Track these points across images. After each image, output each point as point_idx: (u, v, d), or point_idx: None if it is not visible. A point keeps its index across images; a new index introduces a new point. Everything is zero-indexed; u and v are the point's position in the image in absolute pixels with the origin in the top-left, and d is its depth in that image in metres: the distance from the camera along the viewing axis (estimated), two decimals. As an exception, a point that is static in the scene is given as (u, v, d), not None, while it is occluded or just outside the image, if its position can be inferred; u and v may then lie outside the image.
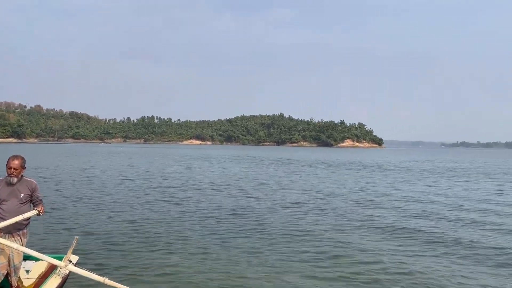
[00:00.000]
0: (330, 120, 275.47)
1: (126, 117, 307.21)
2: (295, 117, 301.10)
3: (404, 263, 8.36)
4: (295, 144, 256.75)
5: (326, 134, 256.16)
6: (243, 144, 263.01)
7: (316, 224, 12.22)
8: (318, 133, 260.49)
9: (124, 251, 8.67)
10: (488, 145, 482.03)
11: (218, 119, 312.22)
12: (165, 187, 20.90)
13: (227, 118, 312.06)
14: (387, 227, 12.05)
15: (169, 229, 10.97)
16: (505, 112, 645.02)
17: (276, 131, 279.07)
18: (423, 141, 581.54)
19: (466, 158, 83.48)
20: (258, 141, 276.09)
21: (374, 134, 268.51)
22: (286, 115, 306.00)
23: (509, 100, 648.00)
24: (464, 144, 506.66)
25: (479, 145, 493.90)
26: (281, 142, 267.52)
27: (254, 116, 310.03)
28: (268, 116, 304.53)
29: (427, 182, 27.20)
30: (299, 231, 11.13)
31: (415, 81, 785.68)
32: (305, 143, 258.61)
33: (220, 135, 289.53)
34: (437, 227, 12.02)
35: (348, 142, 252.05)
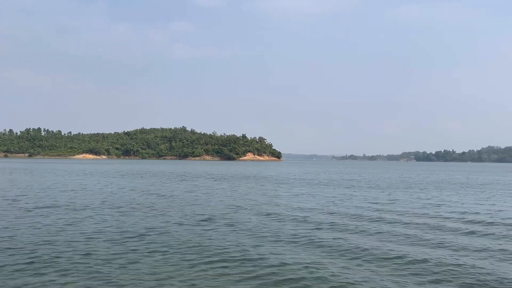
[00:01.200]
0: (232, 134, 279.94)
1: (8, 129, 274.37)
2: (198, 130, 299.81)
3: (310, 270, 8.82)
4: (197, 158, 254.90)
5: (229, 148, 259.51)
6: (142, 158, 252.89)
7: (226, 239, 12.23)
8: (221, 147, 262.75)
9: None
10: (372, 158, 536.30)
11: (115, 132, 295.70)
12: (55, 207, 19.06)
13: (125, 131, 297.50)
14: (293, 237, 12.59)
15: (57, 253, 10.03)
16: (385, 129, 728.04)
17: (178, 144, 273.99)
18: (317, 155, 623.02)
19: (355, 170, 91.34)
20: (159, 155, 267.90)
21: (273, 148, 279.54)
22: (188, 128, 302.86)
23: (389, 118, 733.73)
24: (352, 157, 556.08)
25: (365, 157, 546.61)
26: (183, 156, 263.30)
27: (154, 129, 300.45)
28: (170, 129, 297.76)
29: (327, 193, 29.12)
30: (207, 249, 11.05)
31: (309, 97, 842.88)
32: (207, 157, 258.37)
33: (117, 148, 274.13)
34: (343, 238, 12.92)
35: (249, 156, 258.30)
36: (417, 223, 15.82)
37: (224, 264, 9.49)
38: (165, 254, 10.29)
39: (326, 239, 12.43)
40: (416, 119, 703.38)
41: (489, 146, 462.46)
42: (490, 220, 16.94)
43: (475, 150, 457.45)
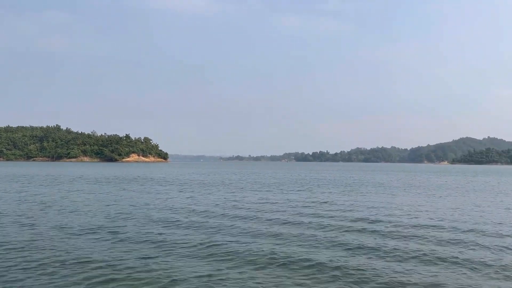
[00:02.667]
0: (114, 134, 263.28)
1: None
2: (74, 129, 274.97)
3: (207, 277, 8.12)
4: (74, 159, 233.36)
5: (110, 149, 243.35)
6: (8, 160, 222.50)
7: (112, 251, 10.81)
8: (101, 148, 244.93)
9: None
10: (257, 158, 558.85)
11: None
12: None
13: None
14: (187, 245, 11.73)
15: None
16: (271, 130, 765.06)
17: (51, 144, 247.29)
18: (205, 155, 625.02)
19: (242, 170, 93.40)
20: (28, 156, 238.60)
21: (160, 148, 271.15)
22: (63, 127, 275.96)
23: (271, 121, 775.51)
24: (238, 158, 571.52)
25: (250, 158, 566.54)
26: (57, 157, 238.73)
27: (23, 127, 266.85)
28: (41, 127, 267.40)
29: (218, 194, 28.67)
30: (85, 264, 9.57)
31: (195, 97, 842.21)
32: (86, 158, 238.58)
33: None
34: (236, 242, 12.44)
35: (133, 157, 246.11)
36: (300, 222, 16.27)
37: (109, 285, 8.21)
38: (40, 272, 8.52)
39: (222, 244, 11.83)
40: (294, 123, 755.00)
41: (357, 148, 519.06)
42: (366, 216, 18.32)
43: (346, 151, 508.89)
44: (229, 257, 10.44)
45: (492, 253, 11.32)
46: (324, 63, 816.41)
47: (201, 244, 11.88)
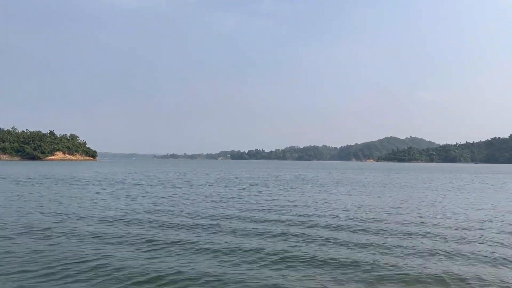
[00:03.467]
0: (37, 130, 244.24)
1: None
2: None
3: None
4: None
5: (32, 146, 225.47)
6: None
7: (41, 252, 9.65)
8: (22, 145, 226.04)
9: None
10: (192, 157, 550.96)
11: None
12: None
13: None
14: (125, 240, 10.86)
15: None
16: (207, 128, 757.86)
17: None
18: (137, 154, 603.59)
19: (176, 169, 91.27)
20: None
21: (88, 146, 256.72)
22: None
23: (207, 119, 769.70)
24: (173, 156, 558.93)
25: (185, 156, 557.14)
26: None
27: None
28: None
29: (154, 193, 27.44)
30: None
31: (126, 92, 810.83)
32: (4, 156, 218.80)
33: None
34: (178, 234, 11.79)
35: (58, 155, 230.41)
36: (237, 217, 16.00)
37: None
38: None
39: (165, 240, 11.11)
40: (231, 121, 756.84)
41: (291, 146, 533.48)
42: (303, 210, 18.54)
43: (280, 150, 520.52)
44: (170, 249, 9.95)
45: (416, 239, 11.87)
46: (259, 63, 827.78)
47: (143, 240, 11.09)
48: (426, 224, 15.42)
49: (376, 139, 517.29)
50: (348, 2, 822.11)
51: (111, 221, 15.37)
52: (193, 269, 9.03)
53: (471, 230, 14.43)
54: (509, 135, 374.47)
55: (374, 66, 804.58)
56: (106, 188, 31.91)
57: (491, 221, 16.49)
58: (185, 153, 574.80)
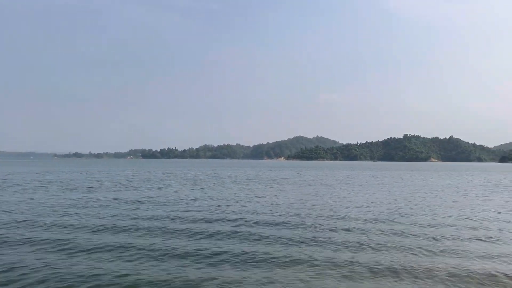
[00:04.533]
0: None
1: None
2: None
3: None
4: None
5: None
6: None
7: None
8: None
9: None
10: (99, 155, 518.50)
11: None
12: None
13: None
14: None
15: None
16: (115, 125, 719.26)
17: None
18: (35, 152, 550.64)
19: (80, 169, 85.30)
20: None
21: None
22: None
23: (115, 116, 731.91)
24: (77, 155, 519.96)
25: (91, 155, 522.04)
26: None
27: None
28: None
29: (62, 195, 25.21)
30: None
31: (23, 86, 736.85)
32: None
33: None
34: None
35: None
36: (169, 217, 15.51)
37: None
38: None
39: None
40: (141, 118, 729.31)
41: (205, 145, 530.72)
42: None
43: (194, 148, 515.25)
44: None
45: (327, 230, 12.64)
46: (170, 59, 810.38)
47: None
48: (325, 217, 16.40)
49: (287, 138, 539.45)
50: (263, 5, 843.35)
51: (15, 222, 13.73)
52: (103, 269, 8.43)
53: (383, 222, 15.68)
54: (402, 135, 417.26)
55: (284, 68, 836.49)
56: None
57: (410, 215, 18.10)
58: (90, 152, 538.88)
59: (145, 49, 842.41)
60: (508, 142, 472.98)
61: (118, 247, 11.15)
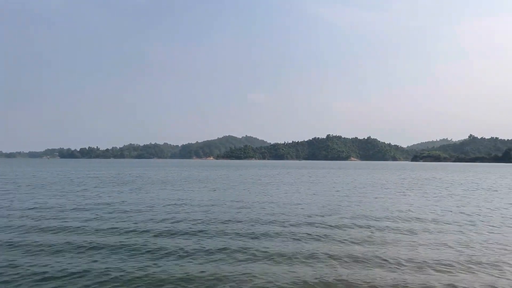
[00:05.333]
0: None
1: None
2: None
3: None
4: None
5: None
6: None
7: None
8: None
9: None
10: (11, 155, 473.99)
11: None
12: None
13: None
14: None
15: None
16: (29, 121, 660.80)
17: None
18: None
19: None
20: None
21: None
22: None
23: (30, 112, 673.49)
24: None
25: (2, 155, 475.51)
26: None
27: None
28: None
29: None
30: None
31: None
32: None
33: None
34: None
35: None
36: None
37: None
38: None
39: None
40: (57, 114, 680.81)
41: (130, 144, 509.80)
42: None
43: (118, 147, 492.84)
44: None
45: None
46: (97, 53, 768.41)
47: None
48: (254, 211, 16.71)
49: (216, 138, 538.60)
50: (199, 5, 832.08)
51: None
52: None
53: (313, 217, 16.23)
54: (326, 135, 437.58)
55: (213, 67, 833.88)
56: None
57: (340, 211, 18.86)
58: (1, 151, 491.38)
59: (70, 39, 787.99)
60: (419, 142, 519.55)
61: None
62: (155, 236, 12.81)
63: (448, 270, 9.44)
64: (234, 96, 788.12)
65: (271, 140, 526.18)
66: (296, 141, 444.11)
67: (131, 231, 13.53)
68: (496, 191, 32.53)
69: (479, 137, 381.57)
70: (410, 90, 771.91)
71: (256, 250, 11.02)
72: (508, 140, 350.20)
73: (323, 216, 17.26)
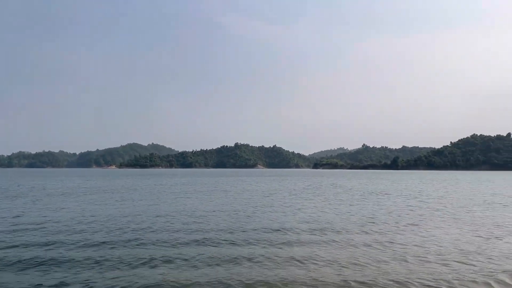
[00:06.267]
0: None
1: None
2: None
3: None
4: None
5: None
6: None
7: None
8: None
9: None
10: None
11: None
12: None
13: None
14: None
15: None
16: None
17: None
18: None
19: None
20: None
21: None
22: None
23: None
24: None
25: None
26: None
27: None
28: None
29: None
30: None
31: None
32: None
33: None
34: None
35: None
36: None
37: None
38: None
39: None
40: None
41: (19, 151, 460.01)
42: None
43: (6, 155, 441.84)
44: None
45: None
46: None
47: None
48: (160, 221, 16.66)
49: (119, 145, 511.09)
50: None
51: None
52: None
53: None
54: (234, 144, 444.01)
55: (119, 71, 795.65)
56: None
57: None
58: None
59: None
60: (320, 151, 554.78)
61: None
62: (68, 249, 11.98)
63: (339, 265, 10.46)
64: (140, 102, 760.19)
65: (179, 148, 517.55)
66: (205, 149, 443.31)
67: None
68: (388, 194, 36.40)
69: (371, 146, 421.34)
70: (312, 99, 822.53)
71: (176, 258, 10.96)
72: (396, 149, 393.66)
73: (240, 223, 17.66)
